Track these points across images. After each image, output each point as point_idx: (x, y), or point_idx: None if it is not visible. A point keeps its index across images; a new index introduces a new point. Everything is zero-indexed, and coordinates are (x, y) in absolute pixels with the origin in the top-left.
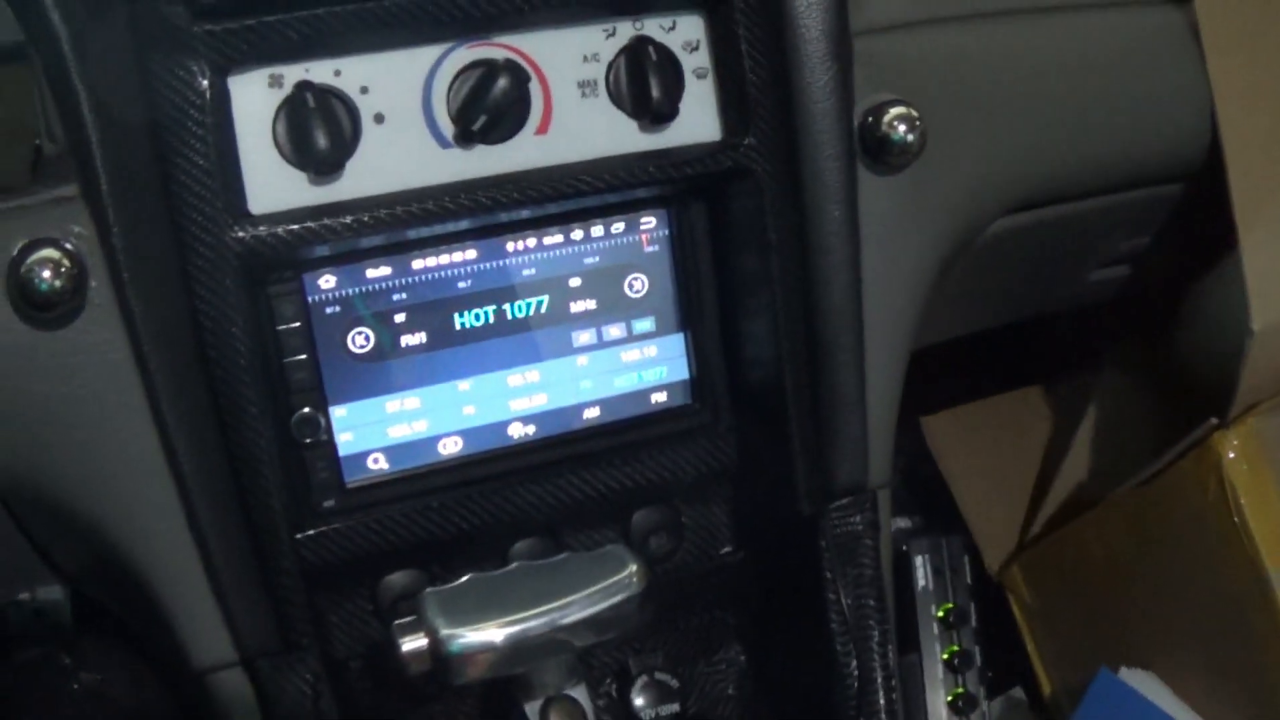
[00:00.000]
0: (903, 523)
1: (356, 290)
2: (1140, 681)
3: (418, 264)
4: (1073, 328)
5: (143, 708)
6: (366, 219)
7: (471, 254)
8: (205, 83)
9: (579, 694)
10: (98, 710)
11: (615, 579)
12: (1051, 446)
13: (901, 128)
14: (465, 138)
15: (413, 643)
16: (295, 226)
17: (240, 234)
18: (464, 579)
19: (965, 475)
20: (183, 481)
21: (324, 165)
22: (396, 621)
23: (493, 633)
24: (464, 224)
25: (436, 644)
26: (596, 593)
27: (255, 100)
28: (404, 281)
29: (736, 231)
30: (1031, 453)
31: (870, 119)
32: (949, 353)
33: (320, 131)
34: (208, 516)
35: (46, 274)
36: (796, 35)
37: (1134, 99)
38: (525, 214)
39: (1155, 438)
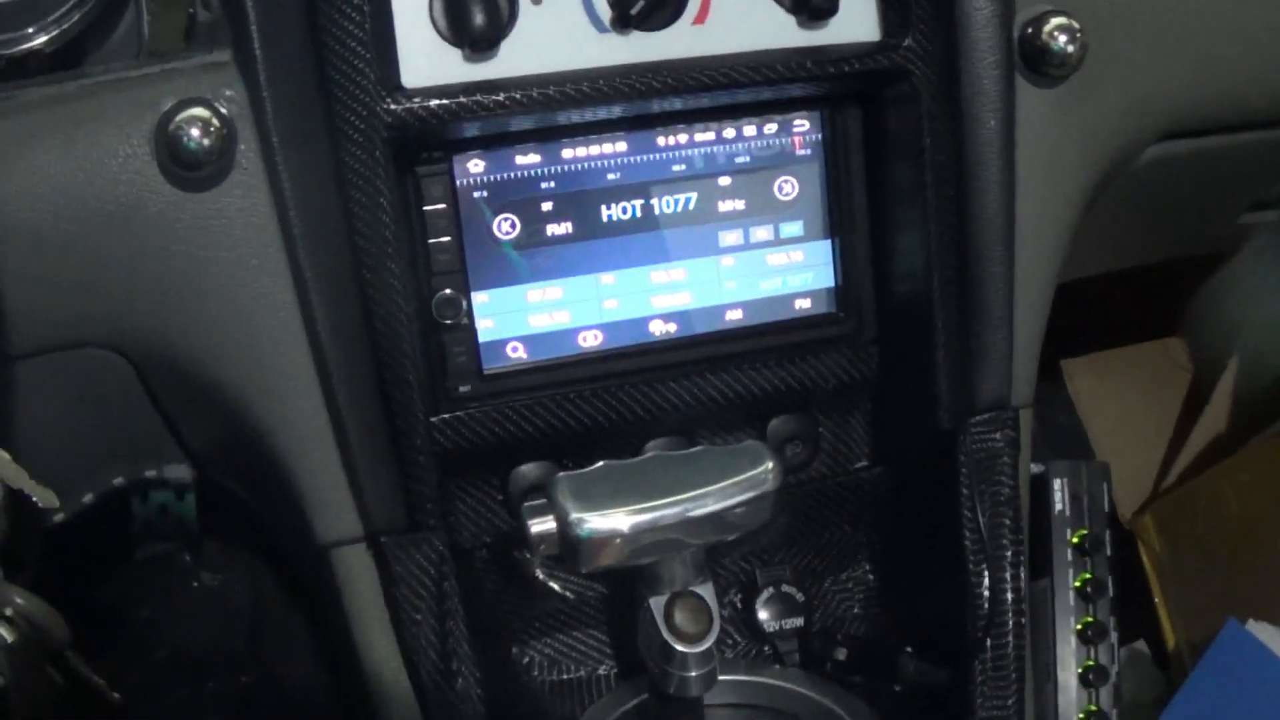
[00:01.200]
0: (1036, 469)
1: (505, 176)
2: (1269, 635)
3: (567, 153)
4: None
5: (260, 611)
6: (519, 97)
7: (622, 146)
8: None
9: (705, 591)
10: (215, 610)
11: (750, 474)
12: (1191, 396)
13: (1062, 38)
14: (622, 22)
15: (541, 525)
16: (447, 101)
17: (392, 106)
18: (597, 465)
19: (1103, 421)
20: (321, 353)
21: (480, 42)
22: (526, 503)
23: (622, 519)
24: (616, 110)
25: (565, 527)
26: (730, 486)
27: None
28: (553, 170)
29: (891, 139)
30: (1170, 401)
31: (1030, 29)
32: (1092, 298)
33: (478, 8)
34: (344, 391)
35: (195, 132)
36: None
37: None
38: (678, 104)
39: None
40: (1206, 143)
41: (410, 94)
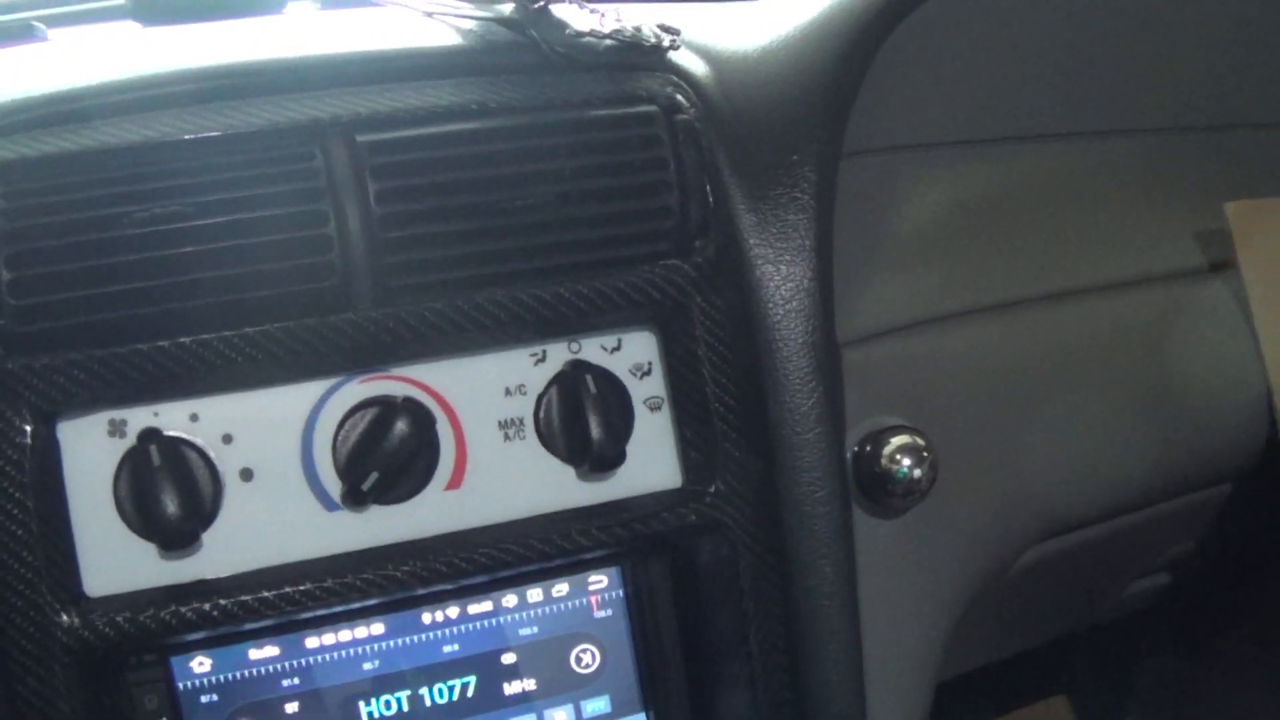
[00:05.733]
0: None
1: (238, 675)
2: None
3: (312, 643)
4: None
5: None
6: (229, 606)
7: (378, 629)
8: (27, 430)
9: None
10: None
11: None
12: None
13: (906, 461)
14: (355, 498)
15: None
16: (142, 616)
17: (72, 622)
18: None
19: None
20: None
21: (175, 536)
22: None
23: None
24: (355, 605)
25: None
26: None
27: (92, 453)
28: (296, 664)
29: (706, 590)
30: None
31: (867, 448)
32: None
33: (169, 494)
34: None
35: None
36: (773, 352)
37: (1179, 392)
38: (439, 587)
39: None
40: (1088, 533)
41: (94, 605)
